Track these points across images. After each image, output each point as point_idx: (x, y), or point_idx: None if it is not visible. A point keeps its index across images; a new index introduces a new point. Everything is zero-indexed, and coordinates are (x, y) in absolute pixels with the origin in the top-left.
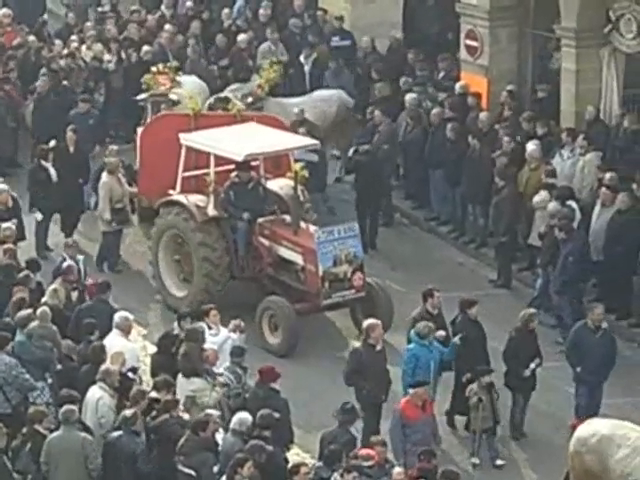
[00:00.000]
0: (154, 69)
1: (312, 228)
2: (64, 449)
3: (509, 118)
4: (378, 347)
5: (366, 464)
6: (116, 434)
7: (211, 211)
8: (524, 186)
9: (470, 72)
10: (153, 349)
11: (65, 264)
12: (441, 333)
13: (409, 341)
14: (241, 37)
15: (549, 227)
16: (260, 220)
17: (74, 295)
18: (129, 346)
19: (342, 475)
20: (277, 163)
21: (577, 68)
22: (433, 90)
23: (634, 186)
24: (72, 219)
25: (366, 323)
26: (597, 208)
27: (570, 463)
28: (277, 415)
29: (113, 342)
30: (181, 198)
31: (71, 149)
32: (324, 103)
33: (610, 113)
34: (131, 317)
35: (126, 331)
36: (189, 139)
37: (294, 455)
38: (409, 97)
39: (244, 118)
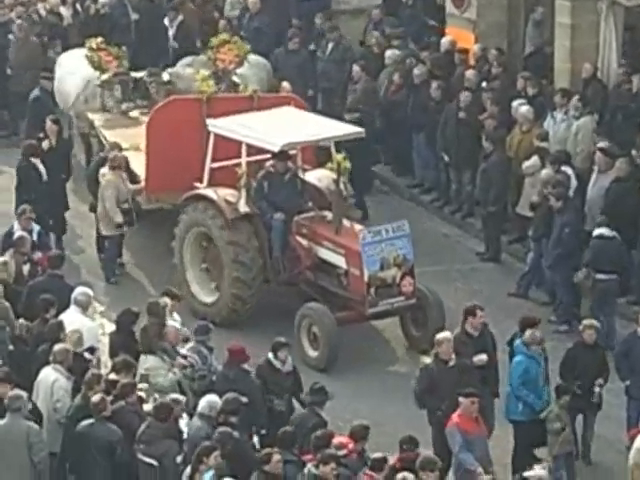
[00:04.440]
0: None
1: (357, 227)
2: (7, 439)
3: (498, 76)
4: (451, 363)
5: (340, 454)
6: (87, 423)
7: (242, 207)
8: (514, 151)
9: (456, 26)
10: (112, 327)
11: (17, 235)
12: (480, 358)
13: (512, 354)
14: None
15: (542, 195)
16: (298, 217)
17: (25, 269)
18: (88, 324)
19: (317, 467)
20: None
21: (572, 22)
22: (414, 46)
23: (633, 152)
24: (60, 221)
25: (437, 337)
26: (593, 175)
27: (630, 477)
28: (244, 399)
29: (70, 320)
30: (209, 192)
31: (53, 142)
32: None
33: (608, 71)
34: (91, 293)
35: (85, 308)
36: (218, 126)
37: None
38: (390, 53)
39: (261, 101)
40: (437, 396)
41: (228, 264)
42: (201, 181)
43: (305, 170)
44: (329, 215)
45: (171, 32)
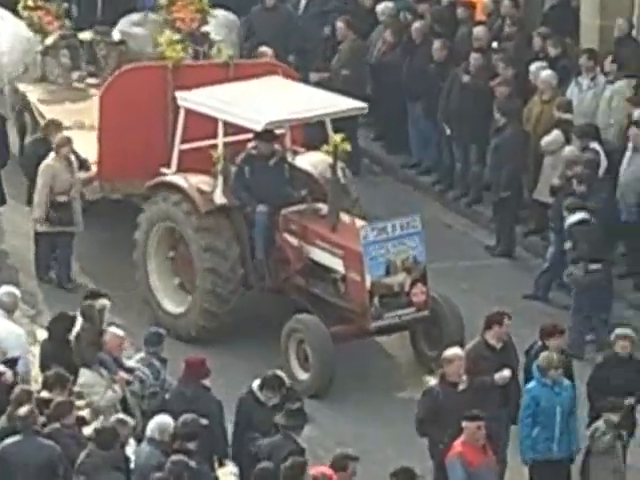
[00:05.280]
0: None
1: (358, 223)
2: None
3: (513, 35)
4: (461, 386)
5: None
6: (12, 440)
7: (219, 198)
8: (533, 124)
9: None
10: (44, 334)
11: None
12: (503, 375)
13: (527, 378)
14: None
15: (565, 177)
16: (286, 210)
17: None
18: (14, 330)
19: None
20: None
21: None
22: None
23: None
24: None
25: (445, 354)
26: (628, 154)
27: None
28: (205, 422)
29: None
30: (178, 180)
31: None
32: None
33: None
34: (17, 293)
35: (10, 310)
36: (190, 99)
37: (228, 475)
38: (383, 6)
39: (239, 69)
40: (441, 425)
41: (202, 273)
42: (168, 166)
43: (295, 153)
44: (324, 208)
45: None
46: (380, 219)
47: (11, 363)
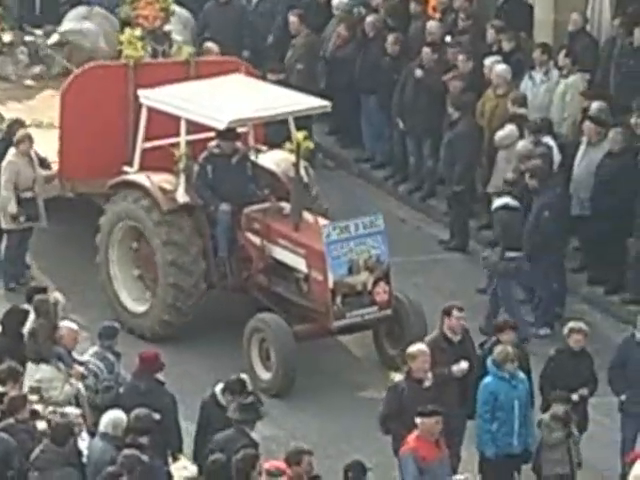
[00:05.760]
0: None
1: (321, 222)
2: None
3: (467, 29)
4: (427, 383)
5: None
6: None
7: (181, 196)
8: (487, 118)
9: None
10: None
11: None
12: (461, 367)
13: (483, 373)
14: None
15: (518, 172)
16: (248, 209)
17: None
18: None
19: None
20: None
21: None
22: None
23: (632, 120)
24: None
25: (409, 350)
26: (581, 148)
27: None
28: (157, 416)
29: None
30: (140, 179)
31: None
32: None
33: (599, 23)
34: None
35: None
36: (152, 98)
37: (182, 469)
38: (337, 1)
39: (200, 67)
40: (405, 421)
41: (163, 267)
42: (130, 164)
43: (258, 152)
44: (287, 207)
45: None
46: (337, 215)
47: None
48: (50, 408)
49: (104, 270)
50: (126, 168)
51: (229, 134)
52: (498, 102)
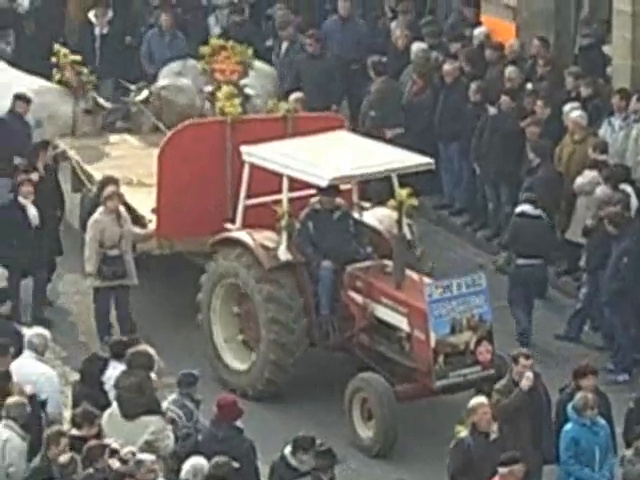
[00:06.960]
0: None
1: (423, 280)
2: None
3: (545, 76)
4: (493, 435)
5: None
6: None
7: (283, 254)
8: (565, 164)
9: (493, 15)
10: (75, 376)
11: None
12: (529, 376)
13: (563, 420)
14: None
15: (597, 219)
16: (351, 267)
17: None
18: (45, 372)
19: None
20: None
21: (633, 10)
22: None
23: None
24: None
25: (469, 404)
26: None
27: None
28: (237, 465)
29: (24, 367)
30: (242, 236)
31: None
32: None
33: None
34: (48, 335)
35: (41, 352)
36: (255, 154)
37: None
38: (416, 47)
39: (297, 123)
40: (474, 477)
41: (265, 324)
42: (230, 222)
43: (362, 209)
44: (389, 265)
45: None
46: (437, 271)
47: (41, 404)
48: (128, 448)
49: (206, 329)
50: (228, 225)
51: (330, 190)
52: (575, 148)
